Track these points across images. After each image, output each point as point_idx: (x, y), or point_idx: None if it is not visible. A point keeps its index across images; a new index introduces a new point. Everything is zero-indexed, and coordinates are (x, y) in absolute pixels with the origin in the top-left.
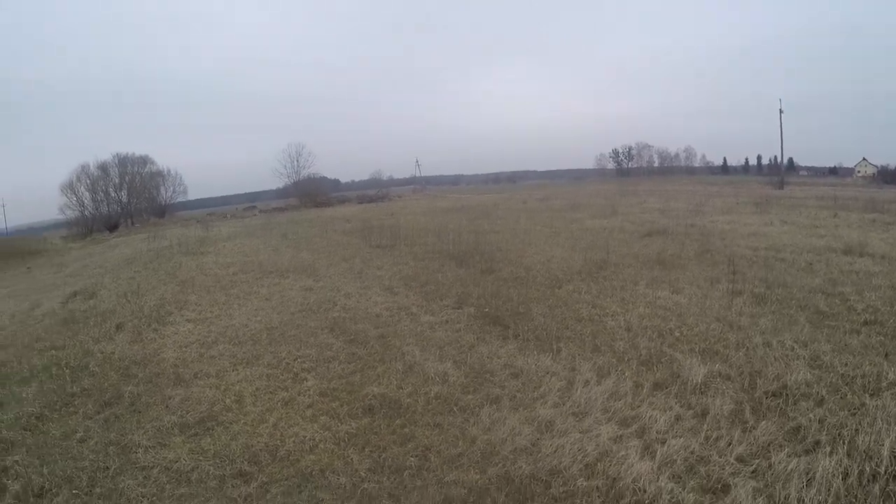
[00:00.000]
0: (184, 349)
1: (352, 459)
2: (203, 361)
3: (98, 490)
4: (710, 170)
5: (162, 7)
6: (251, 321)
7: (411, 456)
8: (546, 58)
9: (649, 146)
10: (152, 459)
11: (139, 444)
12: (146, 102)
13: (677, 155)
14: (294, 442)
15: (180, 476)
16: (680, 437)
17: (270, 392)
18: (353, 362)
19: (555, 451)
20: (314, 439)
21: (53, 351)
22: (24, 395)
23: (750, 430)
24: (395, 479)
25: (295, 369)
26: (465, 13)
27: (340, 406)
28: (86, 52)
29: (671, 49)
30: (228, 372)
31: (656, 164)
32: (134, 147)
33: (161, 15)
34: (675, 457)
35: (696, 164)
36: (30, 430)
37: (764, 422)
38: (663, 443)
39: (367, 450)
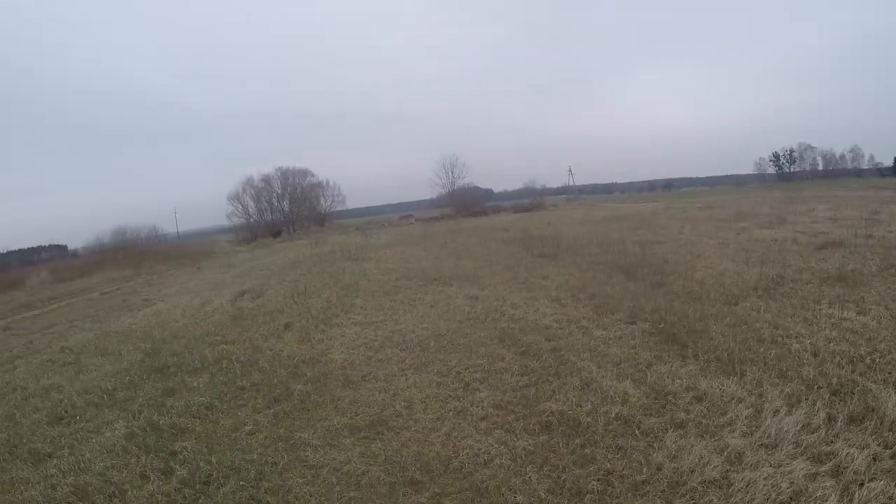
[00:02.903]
0: (351, 351)
1: (530, 478)
2: (371, 365)
3: (266, 484)
4: (880, 171)
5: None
6: (418, 328)
7: (593, 479)
8: (700, 58)
9: (812, 147)
10: (321, 459)
11: (308, 442)
12: (306, 124)
13: (843, 156)
14: (468, 454)
15: (350, 479)
16: (880, 480)
17: (441, 400)
18: (526, 375)
19: (747, 486)
20: (489, 453)
21: (224, 345)
22: (194, 385)
23: None
24: (576, 503)
25: (466, 379)
26: (613, 16)
27: (516, 420)
28: (250, 77)
29: (830, 40)
30: (397, 377)
31: (820, 168)
32: (295, 161)
33: (324, 47)
34: (873, 502)
35: (864, 166)
36: (199, 419)
37: None
38: (861, 485)
39: (545, 469)
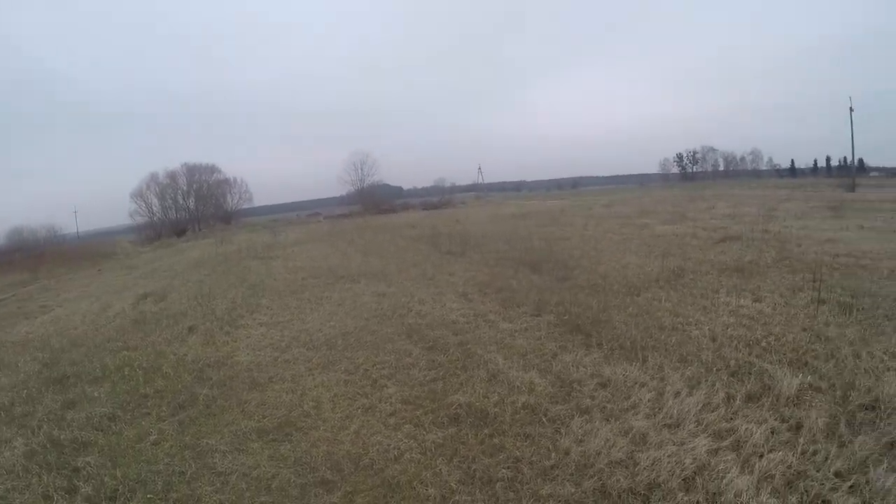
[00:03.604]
0: (257, 353)
1: (440, 470)
2: (278, 366)
3: (174, 495)
4: (778, 173)
5: (220, 25)
6: (325, 326)
7: (503, 467)
8: (608, 62)
9: (714, 150)
10: (230, 465)
11: (216, 448)
12: (212, 116)
13: (743, 158)
14: (378, 450)
15: (260, 483)
16: (778, 451)
17: (350, 398)
18: (433, 370)
19: (652, 465)
20: (399, 448)
21: (125, 352)
22: (95, 395)
23: (846, 445)
24: (487, 492)
25: (374, 376)
26: (524, 18)
27: (424, 414)
28: (152, 67)
29: (737, 49)
30: (305, 377)
31: (722, 168)
32: (202, 157)
33: (221, 33)
34: (773, 471)
35: (763, 168)
36: (102, 431)
37: (860, 436)
38: (761, 457)
39: (455, 460)
